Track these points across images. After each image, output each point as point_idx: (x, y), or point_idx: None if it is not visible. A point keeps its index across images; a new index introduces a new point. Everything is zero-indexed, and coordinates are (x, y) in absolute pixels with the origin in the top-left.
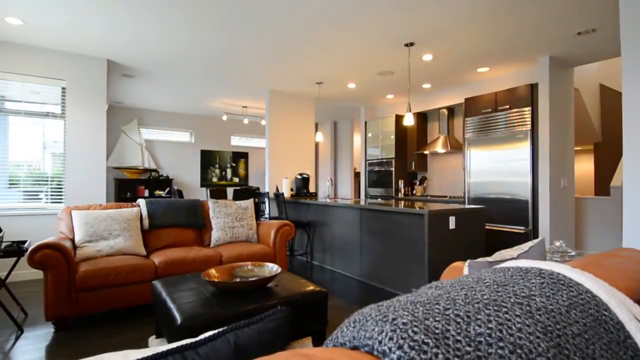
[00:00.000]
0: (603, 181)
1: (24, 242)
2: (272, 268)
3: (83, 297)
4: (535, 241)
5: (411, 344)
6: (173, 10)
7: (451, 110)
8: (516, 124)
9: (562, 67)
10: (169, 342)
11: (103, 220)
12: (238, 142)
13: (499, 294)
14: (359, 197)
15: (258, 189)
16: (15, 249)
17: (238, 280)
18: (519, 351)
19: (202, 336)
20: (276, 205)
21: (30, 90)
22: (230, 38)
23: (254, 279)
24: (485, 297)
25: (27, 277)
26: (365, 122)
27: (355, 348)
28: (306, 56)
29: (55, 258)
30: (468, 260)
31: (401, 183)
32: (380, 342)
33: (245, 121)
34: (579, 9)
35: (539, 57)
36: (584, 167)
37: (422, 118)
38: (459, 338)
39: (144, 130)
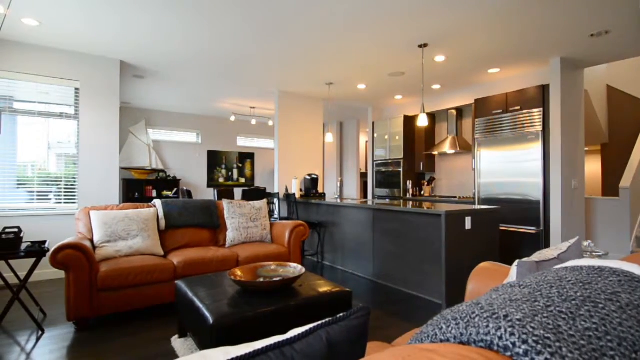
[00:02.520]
0: (610, 182)
1: (44, 242)
2: (296, 268)
3: (104, 297)
4: (572, 241)
5: (534, 338)
6: (190, 12)
7: (460, 111)
8: (527, 125)
9: (573, 68)
10: (198, 342)
11: (121, 221)
12: (244, 142)
13: (588, 291)
14: (366, 198)
15: (265, 189)
16: (37, 250)
17: (262, 280)
18: (624, 344)
19: (291, 333)
20: (286, 206)
21: (39, 91)
22: (244, 39)
23: (278, 279)
24: (578, 294)
25: (42, 278)
26: (373, 123)
27: (461, 344)
28: (318, 58)
29: (77, 258)
30: (517, 261)
31: (409, 184)
32: (500, 338)
33: (253, 122)
34: (593, 11)
35: (551, 58)
36: (591, 167)
37: (431, 119)
38: (571, 333)
39: (151, 131)
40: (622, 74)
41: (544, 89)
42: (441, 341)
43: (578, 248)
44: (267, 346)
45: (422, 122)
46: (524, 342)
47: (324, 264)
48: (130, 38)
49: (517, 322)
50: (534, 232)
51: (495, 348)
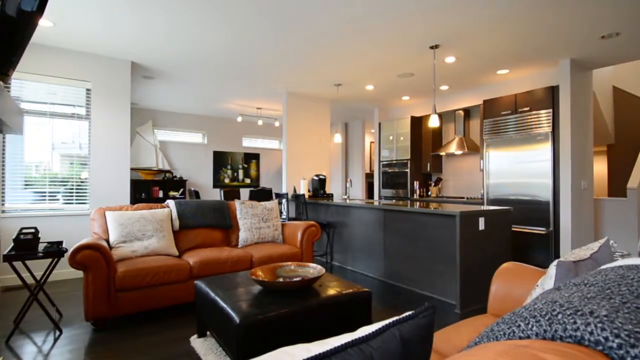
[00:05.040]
0: (617, 182)
1: (61, 242)
2: (316, 268)
3: (121, 297)
4: (601, 241)
5: (625, 332)
6: (207, 11)
7: (467, 111)
8: (536, 126)
9: (582, 69)
10: (223, 342)
11: (137, 221)
12: (249, 143)
13: None
14: (370, 198)
15: (271, 190)
16: (56, 250)
17: (281, 279)
18: None
19: (362, 331)
20: (295, 206)
21: (50, 91)
22: (256, 40)
23: (297, 279)
24: None
25: (54, 278)
26: (380, 124)
27: (544, 340)
28: (329, 59)
29: (96, 259)
30: (556, 260)
31: (416, 184)
32: (591, 333)
33: (260, 122)
34: (604, 12)
35: (561, 59)
36: (597, 168)
37: (438, 119)
38: None
39: (157, 132)
40: (628, 75)
41: (554, 90)
42: (520, 338)
43: (607, 248)
44: (345, 343)
45: (434, 123)
46: (617, 336)
47: (333, 264)
48: (145, 39)
49: (605, 318)
50: (543, 232)
51: (586, 343)
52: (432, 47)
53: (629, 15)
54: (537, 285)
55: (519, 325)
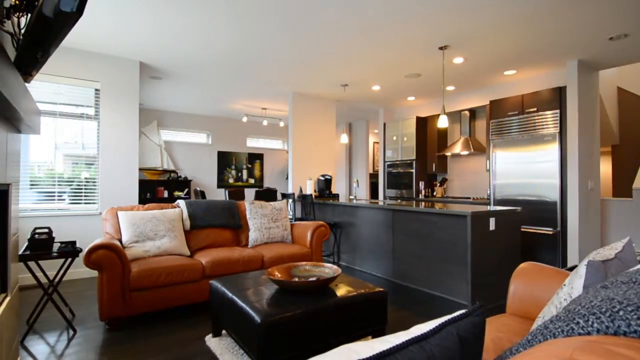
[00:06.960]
0: (621, 183)
1: (74, 242)
2: (332, 268)
3: (135, 297)
4: (624, 241)
5: None
6: (222, 10)
7: (473, 112)
8: (543, 127)
9: (588, 70)
10: (243, 341)
11: (149, 221)
12: (253, 143)
13: None
14: (374, 198)
15: (276, 190)
16: (71, 250)
17: (296, 279)
18: None
19: (418, 330)
20: (301, 206)
21: (59, 92)
22: (265, 41)
23: (313, 279)
24: None
25: (65, 277)
26: (385, 124)
27: (606, 335)
28: (336, 59)
29: (111, 258)
30: (587, 260)
31: (422, 184)
32: None
33: (265, 122)
34: (613, 14)
35: (568, 60)
36: (602, 168)
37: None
38: None
39: (162, 132)
40: (632, 76)
41: (561, 91)
42: (579, 334)
43: (631, 248)
44: (407, 341)
45: (443, 123)
46: None
47: (340, 264)
48: (156, 39)
49: None
50: (550, 232)
51: None
52: (441, 48)
53: (637, 16)
54: (565, 285)
55: (578, 323)
